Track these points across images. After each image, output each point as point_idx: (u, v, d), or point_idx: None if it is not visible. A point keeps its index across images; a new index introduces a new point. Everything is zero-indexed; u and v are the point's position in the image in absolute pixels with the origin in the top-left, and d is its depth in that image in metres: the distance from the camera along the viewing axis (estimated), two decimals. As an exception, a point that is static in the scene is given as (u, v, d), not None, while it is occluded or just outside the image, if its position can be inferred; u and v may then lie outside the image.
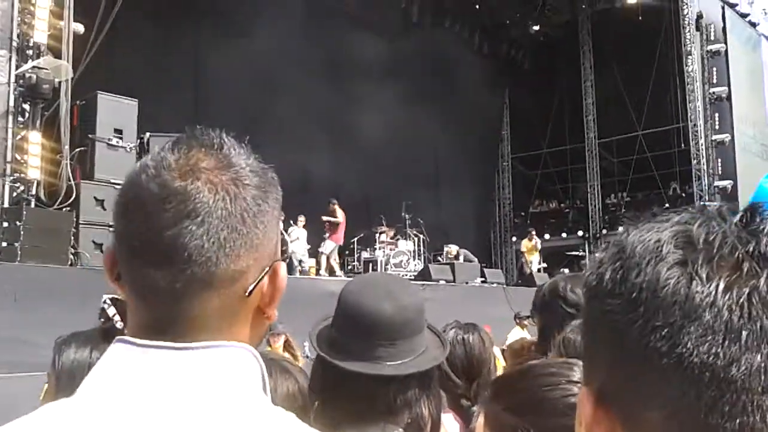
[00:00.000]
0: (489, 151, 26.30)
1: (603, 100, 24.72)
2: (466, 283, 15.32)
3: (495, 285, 15.98)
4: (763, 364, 0.49)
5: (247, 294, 0.87)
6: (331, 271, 16.15)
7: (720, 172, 21.56)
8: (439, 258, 18.37)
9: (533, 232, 19.99)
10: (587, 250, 24.27)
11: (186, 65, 16.85)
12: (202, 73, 16.97)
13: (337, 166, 17.94)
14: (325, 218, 16.14)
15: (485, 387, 2.57)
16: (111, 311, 1.66)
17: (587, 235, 24.79)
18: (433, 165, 21.24)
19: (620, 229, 0.61)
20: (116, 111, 9.99)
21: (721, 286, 0.51)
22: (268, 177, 0.92)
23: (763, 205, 0.56)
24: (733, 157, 21.61)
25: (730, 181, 21.26)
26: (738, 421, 0.49)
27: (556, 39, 25.36)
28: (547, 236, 24.16)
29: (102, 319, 1.68)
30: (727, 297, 0.51)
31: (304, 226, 15.50)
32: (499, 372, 2.86)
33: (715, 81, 21.72)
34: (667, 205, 22.45)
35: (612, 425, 0.56)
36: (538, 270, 19.30)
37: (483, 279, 16.06)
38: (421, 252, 18.66)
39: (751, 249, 0.52)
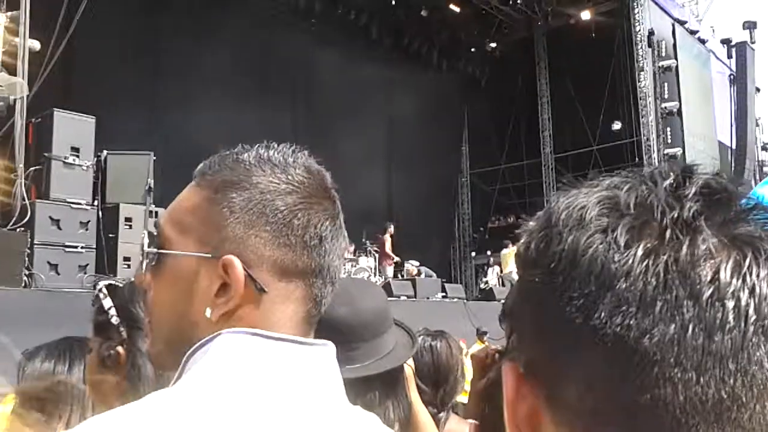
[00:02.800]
0: (448, 168, 26.50)
1: (558, 115, 25.12)
2: (428, 298, 15.35)
3: (456, 300, 16.04)
4: (676, 335, 0.47)
5: None
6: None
7: (672, 186, 22.00)
8: (400, 274, 18.40)
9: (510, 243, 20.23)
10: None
11: (144, 82, 16.66)
12: (160, 91, 16.78)
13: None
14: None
15: (452, 394, 2.62)
16: (107, 303, 1.53)
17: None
18: (393, 181, 21.30)
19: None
20: (73, 129, 9.78)
21: (639, 253, 0.49)
22: None
23: (695, 166, 0.54)
24: (685, 170, 22.10)
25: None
26: (649, 394, 0.47)
27: (513, 56, 25.75)
28: (505, 251, 24.38)
29: (95, 306, 1.56)
30: (644, 265, 0.49)
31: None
32: (467, 381, 2.93)
33: (666, 96, 22.25)
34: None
35: (535, 402, 0.54)
36: (499, 284, 19.46)
37: (444, 294, 16.11)
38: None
39: (675, 215, 0.50)
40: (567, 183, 0.58)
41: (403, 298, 14.52)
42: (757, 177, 28.09)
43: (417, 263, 19.06)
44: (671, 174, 0.53)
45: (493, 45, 25.98)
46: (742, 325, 0.47)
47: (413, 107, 21.81)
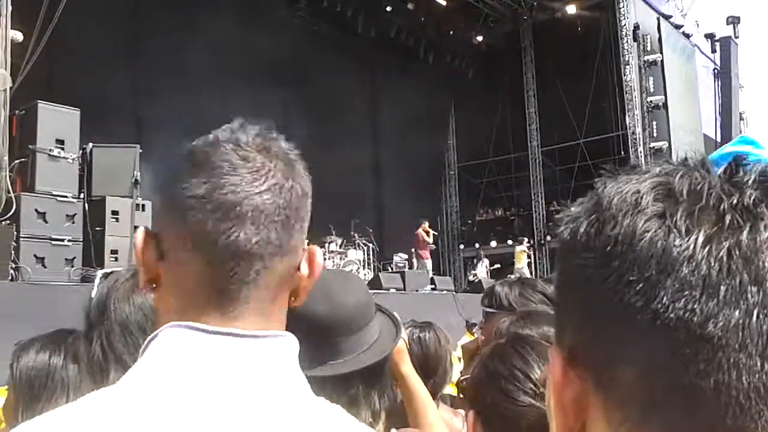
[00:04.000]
0: (436, 161, 26.52)
1: (545, 109, 25.20)
2: (417, 290, 15.35)
3: (445, 292, 16.05)
4: (741, 321, 0.47)
5: (298, 268, 0.92)
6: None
7: (658, 179, 22.13)
8: (389, 267, 18.41)
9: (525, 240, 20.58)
10: (533, 257, 24.64)
11: (128, 73, 16.53)
12: (144, 82, 16.66)
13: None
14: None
15: (441, 384, 2.62)
16: (93, 291, 1.50)
17: (532, 242, 25.15)
18: (382, 174, 21.29)
19: (598, 183, 0.58)
20: (57, 121, 9.65)
21: (701, 239, 0.49)
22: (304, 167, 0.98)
23: (747, 157, 0.53)
24: (671, 164, 22.23)
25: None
26: (713, 379, 0.47)
27: (499, 49, 25.78)
28: (493, 244, 24.46)
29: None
30: (706, 251, 0.48)
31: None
32: (455, 372, 2.93)
33: (652, 90, 22.40)
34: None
35: (583, 386, 0.54)
36: (488, 276, 19.51)
37: (433, 287, 16.12)
38: (371, 261, 18.66)
39: (734, 201, 0.50)
40: (608, 171, 0.58)
41: (392, 290, 14.51)
42: (742, 170, 28.34)
43: (405, 256, 19.07)
44: (723, 163, 0.53)
45: (480, 38, 26.00)
46: None
47: (400, 100, 21.79)
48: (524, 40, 25.70)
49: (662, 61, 22.49)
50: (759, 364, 0.46)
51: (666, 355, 0.48)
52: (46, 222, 8.96)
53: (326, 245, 17.65)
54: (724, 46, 26.77)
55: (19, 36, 10.09)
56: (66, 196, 9.26)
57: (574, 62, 23.58)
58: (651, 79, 22.46)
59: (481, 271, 20.16)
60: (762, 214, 0.49)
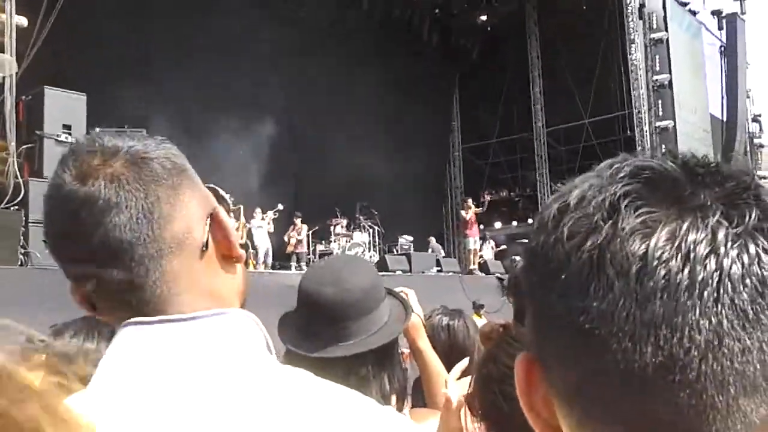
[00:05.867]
0: (440, 142, 26.44)
1: (550, 88, 25.06)
2: (423, 272, 15.40)
3: (451, 274, 16.10)
4: (608, 310, 0.50)
5: (203, 247, 0.93)
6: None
7: (663, 158, 22.02)
8: (395, 249, 18.43)
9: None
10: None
11: (135, 58, 16.47)
12: (151, 66, 16.60)
13: (291, 158, 17.83)
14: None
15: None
16: None
17: (537, 223, 25.11)
18: (386, 156, 21.20)
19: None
20: (64, 106, 9.68)
21: (576, 243, 0.53)
22: (161, 144, 0.95)
23: (640, 156, 0.57)
24: (676, 143, 22.11)
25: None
26: (599, 366, 0.51)
27: (504, 29, 25.61)
28: (498, 225, 24.47)
29: None
30: (579, 252, 0.52)
31: (262, 218, 15.66)
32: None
33: (657, 68, 22.19)
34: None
35: (543, 385, 0.57)
36: (493, 257, 19.53)
37: (439, 268, 16.16)
38: (377, 243, 18.69)
39: (601, 200, 0.53)
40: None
41: (398, 272, 14.56)
42: (748, 149, 28.22)
43: (410, 238, 19.09)
44: (621, 162, 0.56)
45: (484, 18, 25.82)
46: (673, 292, 0.49)
47: (404, 81, 21.68)
48: (528, 19, 25.52)
49: (668, 39, 22.26)
50: (631, 347, 0.50)
51: (569, 350, 0.53)
52: (54, 207, 8.97)
53: (332, 227, 17.68)
54: (731, 23, 26.49)
55: (23, 21, 10.08)
56: (73, 182, 9.27)
57: (579, 41, 23.41)
58: (657, 57, 22.26)
59: (487, 252, 20.18)
60: (620, 209, 0.52)
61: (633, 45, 21.98)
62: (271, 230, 16.02)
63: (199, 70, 16.72)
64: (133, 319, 0.90)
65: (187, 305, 0.91)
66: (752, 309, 0.49)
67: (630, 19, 21.93)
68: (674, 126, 21.99)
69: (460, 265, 18.26)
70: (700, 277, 0.49)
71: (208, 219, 0.95)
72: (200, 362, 0.86)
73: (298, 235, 16.66)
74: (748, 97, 28.00)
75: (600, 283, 0.51)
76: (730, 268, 0.49)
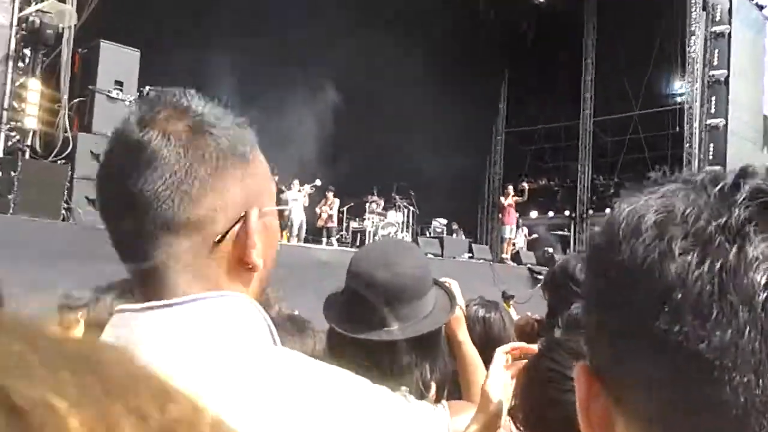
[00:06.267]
0: (485, 125, 26.00)
1: (602, 77, 24.46)
2: (454, 257, 15.19)
3: (482, 261, 15.85)
4: (732, 341, 0.49)
5: (216, 240, 0.90)
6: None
7: (711, 157, 21.42)
8: (428, 231, 18.24)
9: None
10: (573, 230, 24.20)
11: (190, 19, 16.43)
12: (206, 29, 16.53)
13: (333, 132, 17.67)
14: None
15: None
16: None
17: (574, 215, 24.68)
18: (428, 135, 20.91)
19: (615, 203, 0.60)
20: (118, 61, 9.68)
21: (693, 261, 0.51)
22: (238, 128, 0.94)
23: (748, 170, 0.55)
24: (725, 142, 21.48)
25: (719, 167, 21.06)
26: (711, 398, 0.49)
27: (562, 12, 24.77)
28: (534, 214, 24.02)
29: None
30: (697, 273, 0.50)
31: (299, 191, 15.65)
32: None
33: (716, 63, 21.47)
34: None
35: (606, 400, 0.57)
36: (526, 247, 19.21)
37: (470, 255, 15.94)
38: (410, 224, 18.50)
39: (722, 222, 0.51)
40: (629, 188, 0.59)
41: (429, 255, 14.33)
42: (801, 154, 27.30)
43: (444, 221, 18.86)
44: (723, 179, 0.54)
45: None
46: None
47: (455, 58, 21.29)
48: (588, 4, 24.82)
49: (729, 33, 21.46)
50: (753, 380, 0.49)
51: (669, 376, 0.51)
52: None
53: (367, 205, 17.54)
54: (798, 21, 25.53)
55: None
56: (123, 139, 9.23)
57: (636, 30, 22.67)
58: (716, 51, 21.51)
59: (520, 240, 19.83)
60: (748, 234, 0.50)
61: (693, 37, 21.31)
62: (306, 204, 15.96)
63: (252, 36, 16.59)
64: (122, 307, 0.90)
65: (185, 286, 0.89)
66: None
67: (693, 10, 21.25)
68: (725, 124, 21.30)
69: (492, 252, 18.00)
70: None
71: (241, 216, 0.91)
72: (190, 351, 0.83)
73: (330, 209, 16.54)
74: (806, 100, 27.06)
75: (723, 311, 0.49)
76: None
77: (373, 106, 18.60)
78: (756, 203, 0.52)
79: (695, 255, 0.51)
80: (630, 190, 0.59)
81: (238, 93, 15.57)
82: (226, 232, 0.90)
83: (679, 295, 0.50)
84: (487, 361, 2.34)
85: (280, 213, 1.01)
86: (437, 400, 1.68)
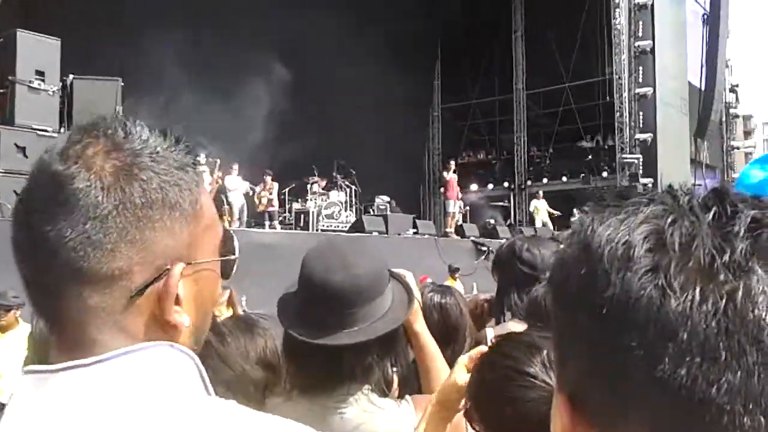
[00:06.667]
0: (421, 102, 26.17)
1: (532, 51, 24.88)
2: (399, 234, 15.34)
3: (426, 236, 16.06)
4: (742, 384, 0.47)
5: (132, 294, 0.78)
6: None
7: (641, 125, 22.12)
8: (371, 209, 18.34)
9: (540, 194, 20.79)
10: (512, 201, 24.72)
11: (109, 3, 15.94)
12: (129, 11, 16.08)
13: (269, 115, 17.54)
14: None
15: (460, 352, 2.55)
16: None
17: (513, 186, 25.20)
18: (366, 113, 20.94)
19: (579, 219, 0.57)
20: (37, 51, 9.30)
21: (696, 299, 0.48)
22: (175, 165, 0.81)
23: (731, 195, 0.53)
24: (654, 110, 22.19)
25: (650, 134, 21.88)
26: None
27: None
28: (474, 187, 24.44)
29: None
30: (702, 312, 0.48)
31: (238, 175, 15.51)
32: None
33: (640, 34, 22.11)
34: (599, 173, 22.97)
35: (586, 430, 0.54)
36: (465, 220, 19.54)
37: (415, 230, 16.11)
38: (353, 203, 18.56)
39: (726, 259, 0.49)
40: (593, 207, 0.56)
41: (374, 233, 14.47)
42: (724, 118, 28.44)
43: (387, 198, 18.99)
44: (711, 204, 0.52)
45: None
46: None
47: (385, 38, 21.32)
48: (515, -21, 25.16)
49: (652, 4, 22.12)
50: (764, 423, 0.47)
51: (672, 417, 0.49)
52: (26, 157, 8.71)
53: (308, 186, 17.50)
54: (715, -9, 26.45)
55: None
56: (47, 130, 8.99)
57: (563, 4, 23.16)
58: (640, 23, 22.15)
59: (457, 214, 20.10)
60: (753, 268, 0.48)
61: (617, 9, 21.87)
62: (249, 192, 15.86)
63: (179, 19, 16.25)
64: (30, 367, 0.78)
65: (104, 340, 0.78)
66: None
67: (616, -17, 21.75)
68: (653, 93, 22.00)
69: (436, 226, 18.24)
70: None
71: (162, 272, 0.79)
72: (115, 415, 0.73)
73: (269, 194, 16.43)
74: (727, 66, 28.09)
75: (731, 351, 0.47)
76: None
77: (310, 87, 18.52)
78: (754, 236, 0.50)
79: (697, 291, 0.48)
80: (593, 207, 0.57)
81: (164, 78, 15.35)
82: (144, 289, 0.79)
83: (684, 336, 0.48)
84: (447, 344, 2.36)
85: (226, 233, 0.90)
86: (401, 395, 1.69)
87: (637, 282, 0.49)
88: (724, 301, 0.47)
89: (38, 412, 0.75)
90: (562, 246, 0.58)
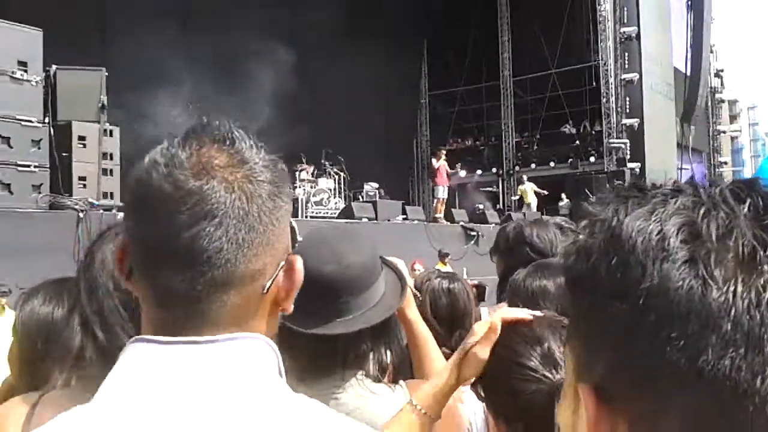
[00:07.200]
0: (409, 89, 26.15)
1: (518, 38, 24.89)
2: (388, 220, 15.37)
3: (416, 222, 16.11)
4: None
5: (264, 291, 0.87)
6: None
7: (628, 111, 22.24)
8: (359, 195, 18.35)
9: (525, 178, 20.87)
10: (501, 186, 24.80)
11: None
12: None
13: (258, 103, 17.47)
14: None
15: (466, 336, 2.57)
16: None
17: (501, 172, 25.28)
18: (354, 101, 20.92)
19: (596, 209, 0.57)
20: (18, 41, 9.17)
21: (739, 290, 0.48)
22: (279, 170, 0.89)
23: (763, 188, 0.53)
24: (641, 95, 22.32)
25: (637, 120, 22.02)
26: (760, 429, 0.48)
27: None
28: (463, 173, 24.50)
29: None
30: (746, 303, 0.48)
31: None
32: None
33: (626, 21, 22.20)
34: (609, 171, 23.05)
35: (614, 423, 0.54)
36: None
37: (405, 216, 16.15)
38: (342, 190, 18.58)
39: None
40: (616, 194, 0.56)
41: (364, 220, 14.50)
42: (709, 103, 28.62)
43: (376, 185, 19.02)
44: (744, 196, 0.52)
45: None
46: None
47: (372, 26, 21.28)
48: (499, -35, 25.13)
49: (637, -10, 22.23)
50: None
51: (713, 410, 0.49)
52: (10, 147, 8.67)
53: (297, 173, 17.50)
54: (699, -22, 26.59)
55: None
56: (31, 121, 8.93)
57: (549, -10, 23.22)
58: (625, 9, 22.24)
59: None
60: None
61: (602, -5, 21.91)
62: None
63: (162, 14, 16.15)
64: (142, 336, 0.85)
65: (221, 324, 0.85)
66: None
67: (601, -31, 21.81)
68: (639, 78, 22.10)
69: (425, 212, 18.29)
70: None
71: (284, 264, 0.89)
72: (207, 389, 0.81)
73: None
74: (711, 52, 28.28)
75: None
76: None
77: (299, 75, 18.47)
78: None
79: (740, 282, 0.48)
80: (616, 195, 0.57)
81: (148, 67, 15.23)
82: (272, 282, 0.87)
83: (728, 326, 0.48)
84: (454, 329, 2.44)
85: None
86: (395, 380, 1.70)
87: (676, 273, 0.49)
88: (766, 293, 0.48)
89: (145, 379, 0.81)
90: (580, 235, 0.57)
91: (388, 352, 1.65)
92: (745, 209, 0.51)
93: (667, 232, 0.51)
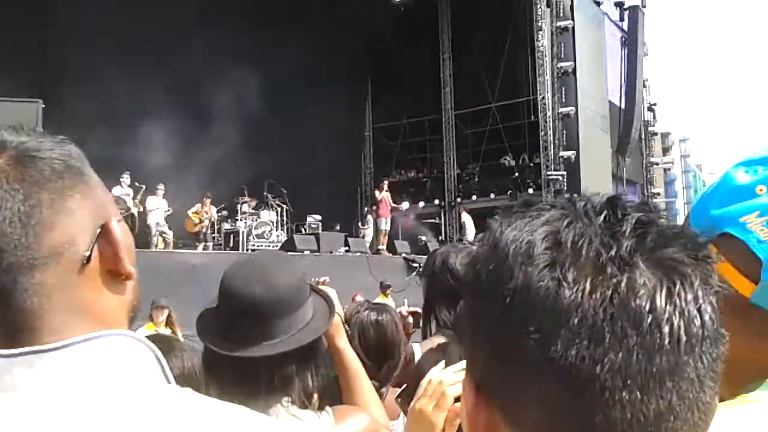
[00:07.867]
0: (353, 122, 26.34)
1: (460, 72, 25.34)
2: (331, 252, 15.39)
3: (358, 254, 16.15)
4: (622, 362, 0.53)
5: (84, 261, 0.82)
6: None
7: (564, 143, 22.78)
8: (302, 228, 18.31)
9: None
10: (443, 218, 25.06)
11: (34, 24, 15.57)
12: (51, 34, 15.72)
13: (199, 136, 17.37)
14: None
15: (395, 369, 2.63)
16: None
17: (443, 204, 25.55)
18: (298, 134, 20.95)
19: (493, 223, 0.64)
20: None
21: (587, 289, 0.55)
22: (56, 142, 0.86)
23: (621, 200, 0.61)
24: (577, 128, 22.91)
25: (573, 152, 22.53)
26: (602, 414, 0.54)
27: (417, 10, 25.53)
28: (406, 205, 24.70)
29: None
30: (591, 300, 0.54)
31: (163, 196, 15.31)
32: None
33: (563, 56, 22.85)
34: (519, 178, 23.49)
35: (490, 414, 0.60)
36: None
37: (347, 248, 16.19)
38: (285, 222, 18.51)
39: (613, 253, 0.56)
40: (503, 210, 0.64)
41: (306, 252, 14.48)
42: (642, 136, 29.56)
43: (319, 217, 19.01)
44: (603, 209, 0.59)
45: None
46: (676, 346, 0.54)
47: (321, 59, 21.44)
48: (441, 1, 25.64)
49: (573, 27, 22.93)
50: (639, 397, 0.54)
51: (563, 395, 0.55)
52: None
53: (239, 206, 17.39)
54: (633, 15, 27.61)
55: None
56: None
57: (489, 26, 23.76)
58: (562, 45, 22.89)
59: (371, 231, 20.21)
60: (636, 263, 0.55)
61: (540, 32, 22.50)
62: (170, 212, 15.71)
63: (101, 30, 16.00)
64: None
65: (61, 324, 0.80)
66: (715, 360, 0.57)
67: (538, 6, 22.43)
68: (576, 112, 22.72)
69: (371, 244, 18.34)
70: (694, 333, 0.55)
71: (98, 230, 0.84)
72: (78, 400, 0.75)
73: (207, 214, 16.31)
74: (644, 86, 29.28)
75: (615, 335, 0.54)
76: (707, 324, 0.56)
77: (243, 106, 18.44)
78: (638, 234, 0.57)
79: (588, 282, 0.55)
80: (505, 211, 0.64)
81: (98, 99, 15.04)
82: (91, 250, 0.83)
83: (575, 321, 0.54)
84: (383, 361, 2.51)
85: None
86: (321, 407, 1.70)
87: (537, 275, 0.56)
88: (610, 291, 0.54)
89: None
90: (475, 247, 0.64)
91: (314, 378, 1.65)
92: (600, 220, 0.58)
93: (534, 241, 0.58)
